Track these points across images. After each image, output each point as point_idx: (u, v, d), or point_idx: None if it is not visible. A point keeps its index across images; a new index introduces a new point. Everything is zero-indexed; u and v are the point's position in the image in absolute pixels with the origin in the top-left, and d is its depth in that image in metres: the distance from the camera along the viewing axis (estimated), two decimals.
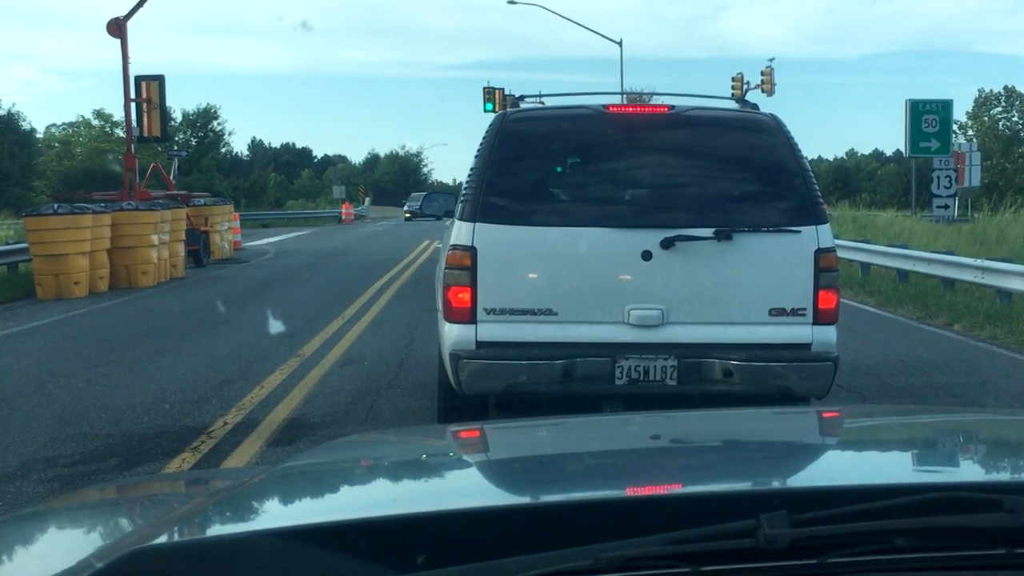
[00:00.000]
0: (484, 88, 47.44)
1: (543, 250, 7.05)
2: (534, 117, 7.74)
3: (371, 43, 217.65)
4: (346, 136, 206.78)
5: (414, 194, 67.93)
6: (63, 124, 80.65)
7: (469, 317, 7.00)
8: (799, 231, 7.01)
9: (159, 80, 28.45)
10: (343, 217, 64.87)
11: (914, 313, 16.70)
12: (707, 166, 7.39)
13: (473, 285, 6.98)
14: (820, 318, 7.03)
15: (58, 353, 13.35)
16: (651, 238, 6.96)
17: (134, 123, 28.29)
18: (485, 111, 46.23)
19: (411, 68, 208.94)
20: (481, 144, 7.24)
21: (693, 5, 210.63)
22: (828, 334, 7.09)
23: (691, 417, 3.40)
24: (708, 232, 6.95)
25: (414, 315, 15.65)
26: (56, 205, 22.70)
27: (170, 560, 1.53)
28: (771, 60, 44.33)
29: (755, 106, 7.92)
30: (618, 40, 51.02)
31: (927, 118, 38.56)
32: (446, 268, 7.16)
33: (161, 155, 47.04)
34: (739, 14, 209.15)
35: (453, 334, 7.06)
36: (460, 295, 7.02)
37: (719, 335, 7.02)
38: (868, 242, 23.80)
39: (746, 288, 7.07)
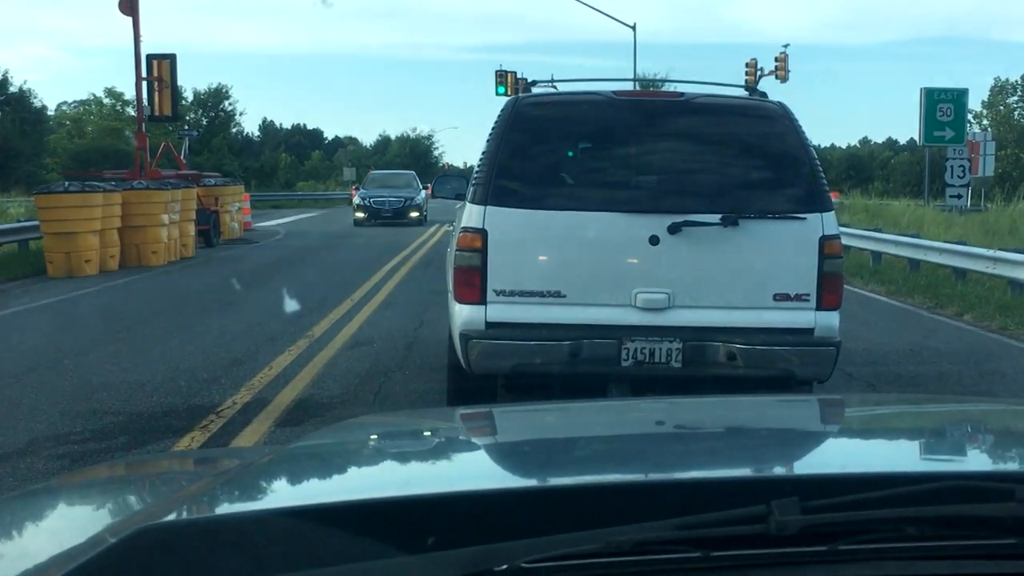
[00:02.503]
0: (496, 71, 47.38)
1: (553, 233, 7.15)
2: (546, 102, 7.81)
3: (384, 24, 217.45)
4: (357, 118, 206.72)
5: (374, 173, 47.89)
6: (74, 102, 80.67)
7: (479, 298, 7.11)
8: (804, 218, 7.10)
9: (170, 59, 28.44)
10: (353, 199, 64.58)
11: (925, 303, 16.66)
12: (715, 153, 7.50)
13: (483, 267, 7.09)
14: (823, 304, 7.13)
15: (68, 331, 13.40)
16: (659, 223, 7.05)
17: (145, 102, 28.32)
18: (497, 94, 46.11)
19: (423, 50, 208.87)
20: (493, 128, 7.31)
21: None
22: (831, 319, 7.18)
23: (700, 403, 3.41)
24: (715, 218, 7.04)
25: (423, 297, 15.67)
26: (67, 183, 22.77)
27: (180, 537, 1.54)
28: (785, 46, 44.09)
29: (764, 94, 7.97)
30: (631, 24, 50.88)
31: (942, 107, 38.41)
32: (457, 250, 7.26)
33: (172, 134, 47.05)
34: None
35: (463, 314, 7.16)
36: (471, 276, 7.13)
37: (724, 319, 7.11)
38: (880, 231, 23.73)
39: (751, 273, 7.17)
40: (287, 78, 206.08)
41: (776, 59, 43.71)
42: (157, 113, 28.91)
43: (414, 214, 39.07)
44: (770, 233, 7.13)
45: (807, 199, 7.13)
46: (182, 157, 33.94)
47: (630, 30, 50.77)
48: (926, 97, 38.54)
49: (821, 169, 7.30)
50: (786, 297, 7.10)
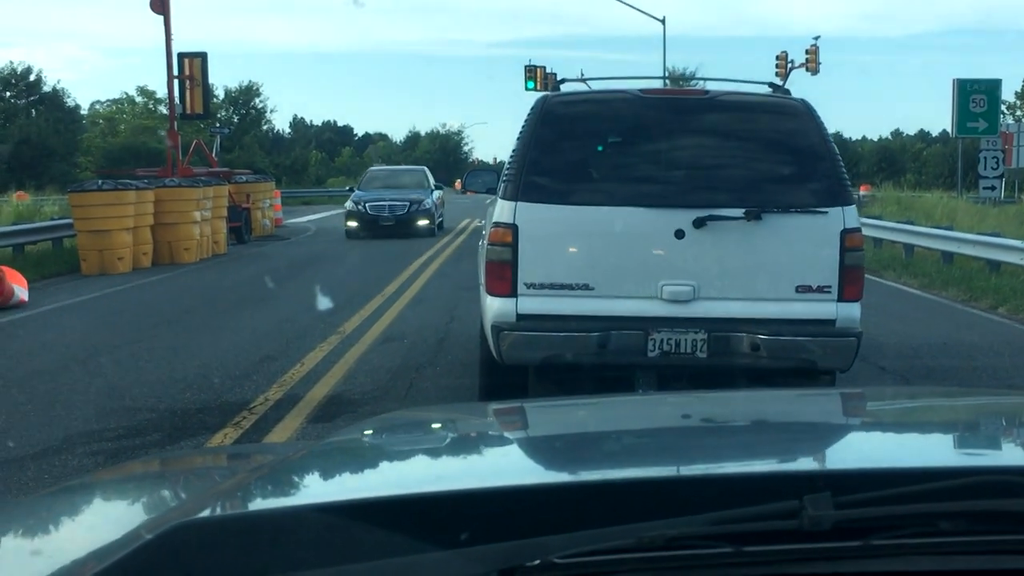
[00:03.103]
0: (525, 66, 47.21)
1: (581, 228, 7.30)
2: (575, 100, 7.99)
3: (413, 21, 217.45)
4: (387, 114, 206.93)
5: (373, 170, 36.43)
6: (107, 101, 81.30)
7: (510, 291, 7.28)
8: (826, 212, 7.22)
9: (202, 57, 28.65)
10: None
11: (958, 296, 16.53)
12: (739, 149, 7.65)
13: (514, 261, 7.25)
14: (845, 295, 7.27)
15: (102, 328, 13.50)
16: (684, 217, 7.19)
17: (177, 100, 28.50)
18: (527, 89, 45.97)
19: (453, 46, 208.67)
20: (523, 126, 7.46)
21: None
22: (852, 311, 7.31)
23: (730, 398, 3.39)
24: (739, 212, 7.18)
25: (454, 294, 15.69)
26: (100, 181, 22.98)
27: (216, 532, 1.55)
28: (816, 38, 43.76)
29: (787, 91, 8.18)
30: (661, 18, 50.68)
31: (975, 98, 38.06)
32: (489, 244, 7.42)
33: (204, 132, 47.30)
34: None
35: (495, 307, 7.33)
36: (502, 270, 7.28)
37: (747, 310, 7.25)
38: (912, 223, 23.54)
39: (774, 266, 7.31)
40: (317, 75, 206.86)
41: (807, 51, 43.34)
42: (189, 111, 29.16)
43: (423, 222, 30.00)
44: (792, 227, 7.26)
45: (829, 193, 7.25)
46: (213, 154, 34.18)
47: (660, 24, 50.63)
48: (959, 88, 38.20)
49: (842, 164, 7.43)
50: (808, 289, 7.23)
